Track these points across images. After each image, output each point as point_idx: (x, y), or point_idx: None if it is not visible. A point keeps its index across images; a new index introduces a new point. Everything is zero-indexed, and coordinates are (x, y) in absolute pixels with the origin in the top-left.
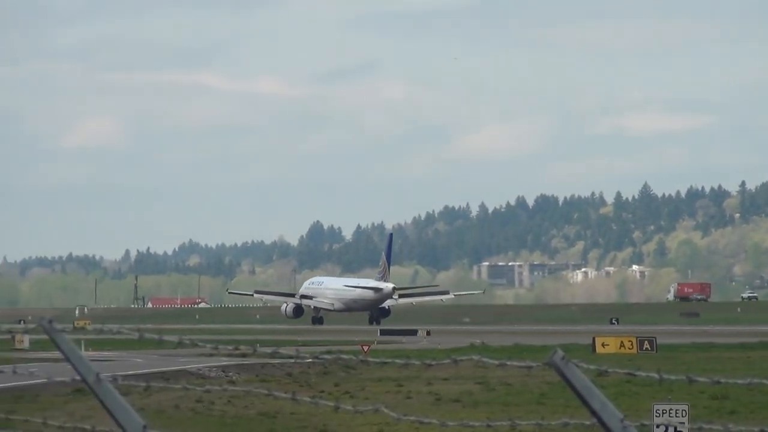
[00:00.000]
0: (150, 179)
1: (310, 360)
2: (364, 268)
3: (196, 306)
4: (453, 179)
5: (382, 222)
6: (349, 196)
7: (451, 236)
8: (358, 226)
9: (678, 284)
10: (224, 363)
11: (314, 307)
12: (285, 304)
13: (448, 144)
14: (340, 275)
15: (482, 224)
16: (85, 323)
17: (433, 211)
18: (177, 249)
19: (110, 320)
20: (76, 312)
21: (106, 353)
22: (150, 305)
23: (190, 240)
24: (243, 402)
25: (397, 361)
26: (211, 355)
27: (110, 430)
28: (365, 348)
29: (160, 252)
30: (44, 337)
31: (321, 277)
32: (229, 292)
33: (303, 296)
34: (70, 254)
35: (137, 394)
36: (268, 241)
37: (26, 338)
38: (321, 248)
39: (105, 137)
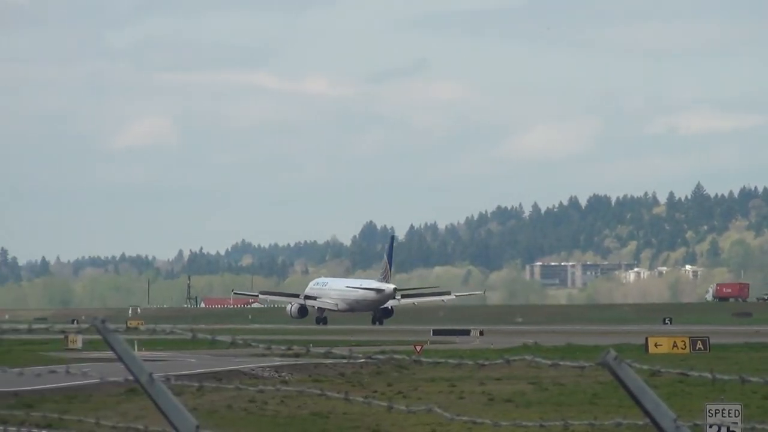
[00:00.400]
0: (203, 179)
1: (363, 360)
2: (416, 267)
3: (248, 306)
4: (506, 179)
5: (435, 222)
6: (402, 196)
7: (504, 236)
8: (411, 226)
9: (717, 285)
10: (277, 363)
11: (318, 307)
12: (290, 305)
13: (500, 144)
14: (393, 275)
15: (535, 224)
16: (138, 323)
17: (486, 211)
18: (230, 249)
19: (163, 320)
20: (129, 312)
21: (158, 353)
22: (203, 305)
23: (243, 240)
24: (296, 402)
25: (450, 361)
26: (263, 355)
27: (163, 430)
28: (418, 348)
29: (213, 252)
30: (97, 337)
31: (325, 278)
32: (235, 293)
33: (307, 297)
34: (123, 254)
35: (190, 394)
36: (321, 241)
37: (79, 338)
38: (374, 248)
39: (158, 137)
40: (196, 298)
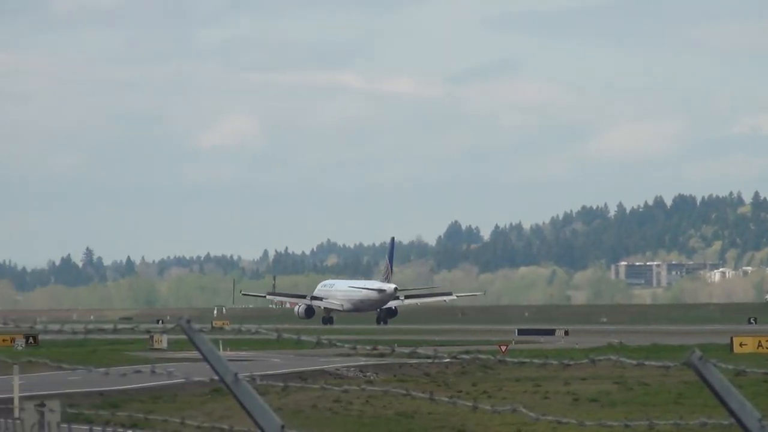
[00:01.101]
0: (288, 179)
1: (447, 360)
2: (501, 268)
3: None
4: (591, 179)
5: (519, 222)
6: (487, 196)
7: (589, 236)
8: (496, 226)
9: None
10: (362, 363)
11: (324, 307)
12: (297, 306)
13: (585, 143)
14: (477, 275)
15: (620, 224)
16: (223, 323)
17: (571, 211)
18: (315, 249)
19: (248, 320)
20: (214, 312)
21: (243, 353)
22: (288, 306)
23: (328, 240)
24: (381, 402)
25: (535, 361)
26: (349, 355)
27: (248, 430)
28: (503, 348)
29: (298, 252)
30: (182, 337)
31: (332, 281)
32: (243, 294)
33: (314, 298)
34: (208, 254)
35: (275, 394)
36: (405, 241)
37: (164, 338)
38: (459, 248)
39: (244, 136)
40: None
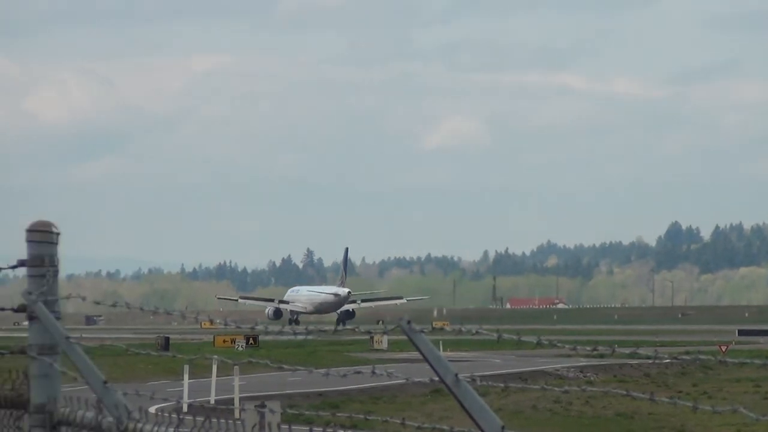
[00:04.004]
0: (509, 180)
1: (668, 360)
2: (721, 268)
3: (554, 307)
4: None
5: (740, 222)
6: (708, 196)
7: None
8: (716, 227)
9: None
10: (582, 363)
11: (291, 310)
12: (267, 308)
13: None
14: (698, 276)
15: None
16: (444, 324)
17: None
18: (535, 249)
19: (468, 321)
20: (434, 312)
21: (463, 354)
22: (508, 306)
23: (548, 240)
24: (601, 402)
25: (756, 361)
26: (569, 355)
27: (468, 430)
28: (723, 348)
29: (518, 252)
30: (402, 337)
31: (299, 287)
32: (218, 298)
33: (281, 301)
34: (429, 255)
35: (495, 394)
36: (626, 242)
37: (384, 339)
38: (679, 249)
39: (466, 138)
40: (501, 298)
